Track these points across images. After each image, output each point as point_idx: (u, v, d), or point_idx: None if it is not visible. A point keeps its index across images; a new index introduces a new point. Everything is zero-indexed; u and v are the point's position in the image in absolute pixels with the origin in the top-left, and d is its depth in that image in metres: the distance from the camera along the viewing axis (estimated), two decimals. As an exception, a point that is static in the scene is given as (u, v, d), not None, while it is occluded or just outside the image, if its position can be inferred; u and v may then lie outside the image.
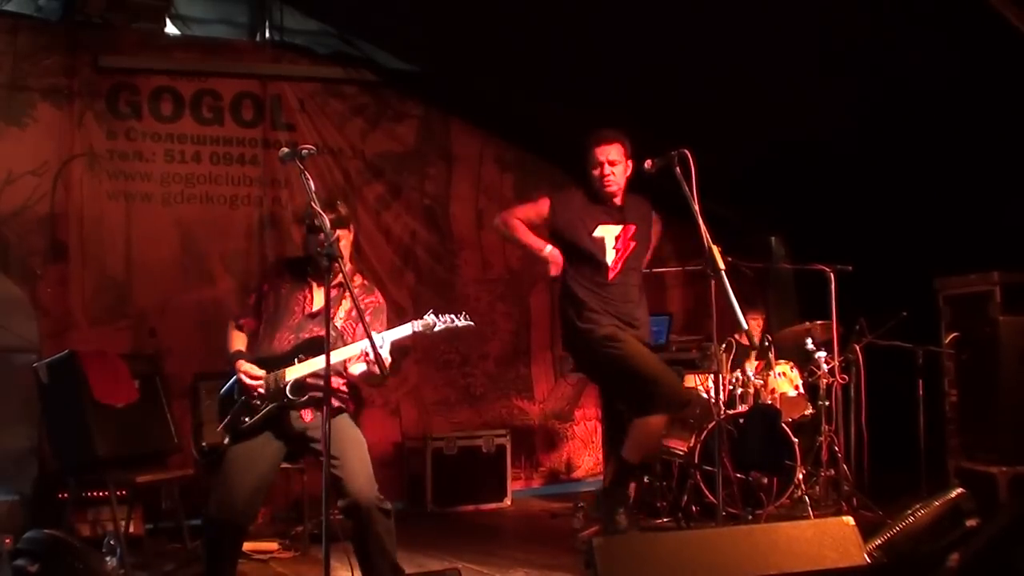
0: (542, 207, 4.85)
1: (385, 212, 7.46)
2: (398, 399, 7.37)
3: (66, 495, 5.50)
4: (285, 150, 3.79)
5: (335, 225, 3.87)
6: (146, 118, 6.76)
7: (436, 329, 4.03)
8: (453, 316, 4.06)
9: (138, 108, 6.74)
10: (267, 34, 7.27)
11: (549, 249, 4.72)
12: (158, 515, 5.96)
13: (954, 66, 5.35)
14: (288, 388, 3.98)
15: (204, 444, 5.56)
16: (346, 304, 4.11)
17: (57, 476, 5.61)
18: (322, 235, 3.72)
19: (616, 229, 4.72)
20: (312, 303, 4.15)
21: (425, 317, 4.04)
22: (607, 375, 4.81)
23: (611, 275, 4.69)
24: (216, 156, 6.95)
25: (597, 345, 4.63)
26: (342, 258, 3.70)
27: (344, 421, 4.03)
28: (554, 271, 4.71)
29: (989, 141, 5.83)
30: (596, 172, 4.70)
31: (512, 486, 7.23)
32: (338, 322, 4.08)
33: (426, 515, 6.79)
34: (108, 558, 4.99)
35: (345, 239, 4.06)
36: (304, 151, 3.72)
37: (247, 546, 5.44)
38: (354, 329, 4.10)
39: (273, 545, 5.69)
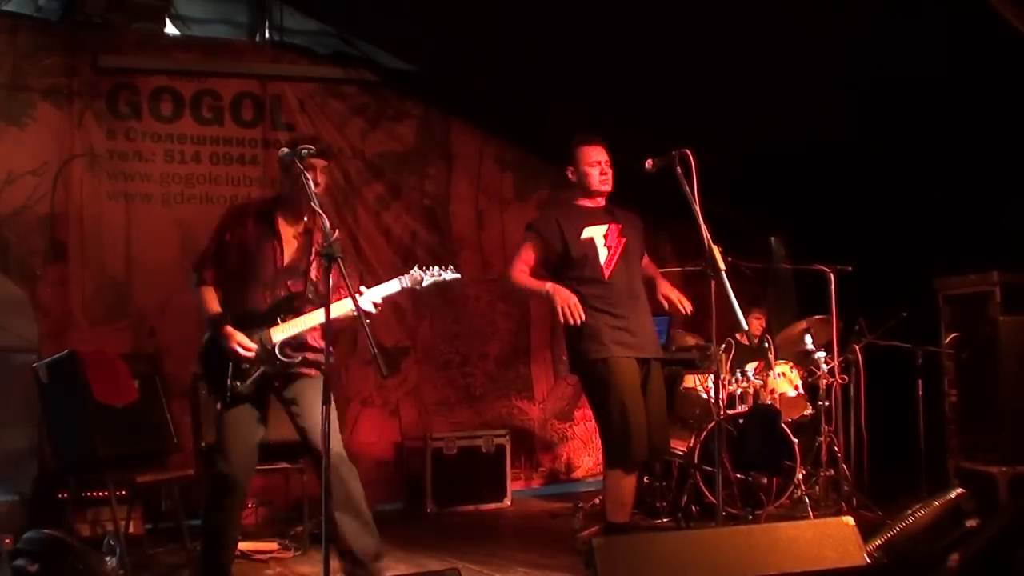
0: (530, 242, 4.83)
1: (385, 212, 7.45)
2: (398, 399, 7.37)
3: (66, 495, 5.50)
4: (285, 150, 3.79)
5: (320, 155, 3.86)
6: (146, 118, 6.76)
7: (424, 283, 4.03)
8: (440, 269, 4.04)
9: (138, 108, 6.74)
10: (267, 34, 7.27)
11: (549, 286, 4.66)
12: (158, 515, 5.95)
13: (954, 66, 5.34)
14: (277, 350, 3.93)
15: (203, 444, 5.57)
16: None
17: (57, 476, 5.60)
18: (322, 235, 3.72)
19: (603, 228, 4.78)
20: (283, 256, 4.06)
21: (412, 271, 4.04)
22: (590, 395, 4.80)
23: (607, 272, 4.71)
24: (216, 156, 6.95)
25: (592, 366, 4.63)
26: (343, 259, 3.70)
27: (316, 381, 3.94)
28: (560, 303, 4.56)
29: (989, 141, 5.83)
30: (594, 170, 4.76)
31: (512, 486, 7.22)
32: (312, 273, 4.01)
33: (426, 515, 6.79)
34: (108, 558, 4.99)
35: (321, 170, 3.98)
36: (304, 151, 3.72)
37: (247, 546, 5.45)
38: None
39: (273, 545, 5.68)
